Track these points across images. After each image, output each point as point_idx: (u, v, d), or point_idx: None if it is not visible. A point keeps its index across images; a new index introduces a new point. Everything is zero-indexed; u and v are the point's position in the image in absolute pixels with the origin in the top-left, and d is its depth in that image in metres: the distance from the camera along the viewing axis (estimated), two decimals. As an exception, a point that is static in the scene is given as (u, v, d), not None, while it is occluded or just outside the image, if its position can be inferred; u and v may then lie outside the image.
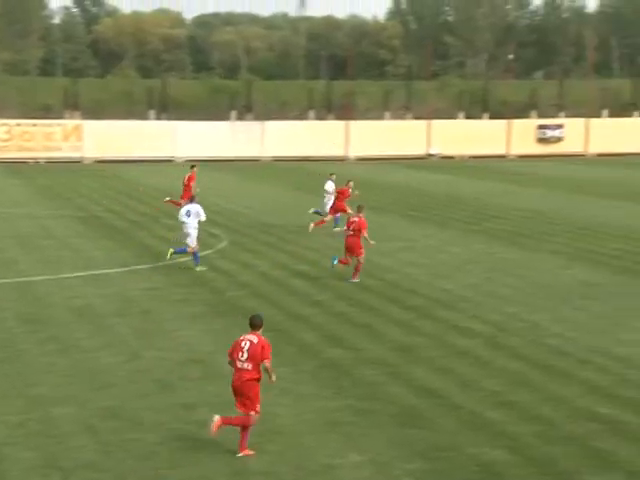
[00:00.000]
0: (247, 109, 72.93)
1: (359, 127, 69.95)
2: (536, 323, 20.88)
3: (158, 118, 70.29)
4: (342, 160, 67.53)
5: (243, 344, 13.44)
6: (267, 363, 13.36)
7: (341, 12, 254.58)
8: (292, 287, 24.68)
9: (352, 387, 16.43)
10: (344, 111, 72.41)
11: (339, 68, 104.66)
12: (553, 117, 73.87)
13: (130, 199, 44.24)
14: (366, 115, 73.84)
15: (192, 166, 38.13)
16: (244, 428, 13.47)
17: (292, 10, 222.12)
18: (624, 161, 65.86)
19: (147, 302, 22.77)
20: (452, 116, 73.54)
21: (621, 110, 76.24)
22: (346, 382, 16.71)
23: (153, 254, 28.92)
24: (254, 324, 13.72)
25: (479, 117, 74.11)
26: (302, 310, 22.07)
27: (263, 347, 13.36)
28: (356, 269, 25.21)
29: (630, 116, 75.06)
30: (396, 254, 29.50)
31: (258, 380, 13.42)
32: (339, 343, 19.21)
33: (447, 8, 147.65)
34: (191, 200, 27.97)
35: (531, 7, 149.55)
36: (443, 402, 15.68)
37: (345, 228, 26.13)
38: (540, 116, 73.97)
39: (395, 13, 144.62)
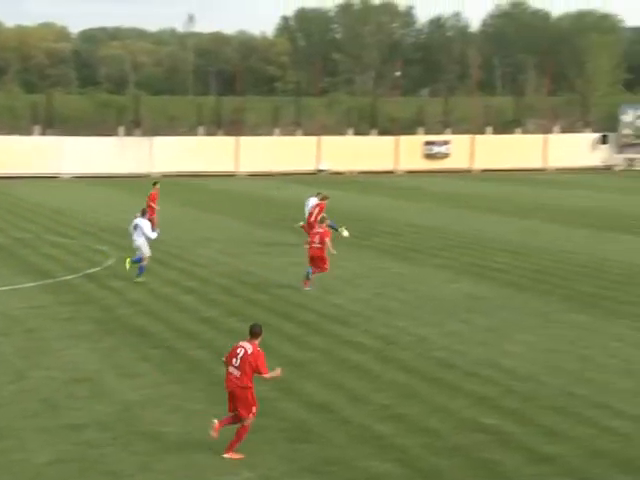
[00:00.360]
0: (135, 124, 72.17)
1: (249, 143, 69.98)
2: (424, 336, 21.18)
3: (44, 134, 68.96)
4: (232, 176, 67.45)
5: (238, 351, 13.95)
6: (266, 376, 13.95)
7: (229, 28, 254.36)
8: (182, 303, 24.51)
9: (243, 403, 16.37)
10: (234, 127, 72.35)
11: (228, 84, 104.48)
12: (439, 133, 75.20)
13: (13, 216, 43.27)
14: (256, 131, 73.90)
15: (154, 183, 38.17)
16: (240, 432, 13.88)
17: (180, 26, 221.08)
18: (508, 177, 67.44)
19: (32, 321, 22.30)
20: (341, 132, 74.20)
21: (504, 127, 78.10)
22: (237, 398, 16.63)
23: (38, 272, 28.35)
24: (254, 332, 14.14)
25: (367, 133, 74.94)
26: (192, 327, 21.94)
27: (256, 359, 13.78)
28: (309, 276, 26.16)
29: (513, 133, 76.93)
30: (287, 269, 29.57)
31: (248, 388, 13.84)
32: (229, 360, 19.12)
33: (335, 25, 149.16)
34: (142, 214, 28.13)
35: (416, 25, 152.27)
36: (333, 417, 15.78)
37: (309, 240, 27.05)
38: (427, 132, 75.20)
39: (283, 30, 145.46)
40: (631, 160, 75.07)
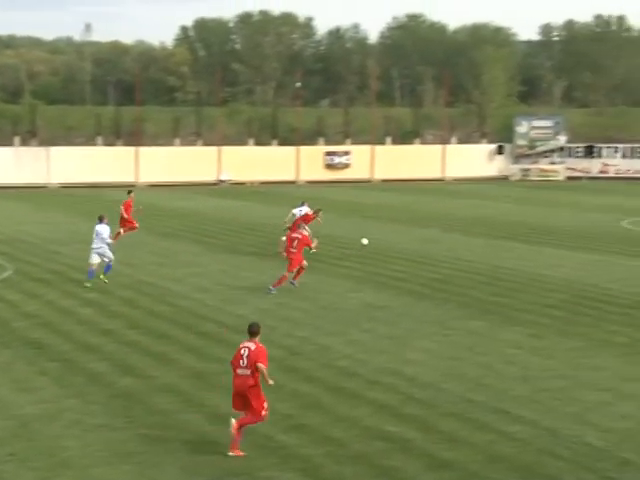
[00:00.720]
0: (31, 134, 70.85)
1: (149, 153, 69.36)
2: (327, 346, 21.28)
3: None
4: (132, 186, 66.69)
5: (242, 351, 14.50)
6: (262, 367, 14.35)
7: (127, 37, 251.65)
8: (81, 316, 24.13)
9: (144, 416, 16.22)
10: (133, 137, 71.61)
11: (127, 94, 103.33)
12: (340, 144, 75.72)
13: None
14: (156, 141, 73.32)
15: (129, 192, 38.34)
16: (239, 428, 14.38)
17: (77, 34, 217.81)
18: (407, 187, 68.27)
19: None
20: (242, 142, 74.12)
21: (403, 137, 79.08)
22: (138, 411, 16.48)
23: None
24: (252, 331, 14.68)
25: (268, 143, 75.01)
26: (91, 339, 21.62)
27: (258, 354, 14.35)
28: (280, 280, 27.06)
29: (411, 143, 77.93)
30: (188, 280, 29.38)
31: (258, 385, 14.41)
32: (130, 372, 18.93)
33: (234, 36, 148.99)
34: (100, 221, 28.43)
35: (316, 37, 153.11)
36: (236, 427, 15.70)
37: (286, 245, 27.77)
38: (327, 143, 75.66)
39: (182, 40, 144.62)
40: (526, 170, 76.75)
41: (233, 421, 14.50)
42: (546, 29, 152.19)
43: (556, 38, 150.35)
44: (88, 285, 27.81)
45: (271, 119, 78.98)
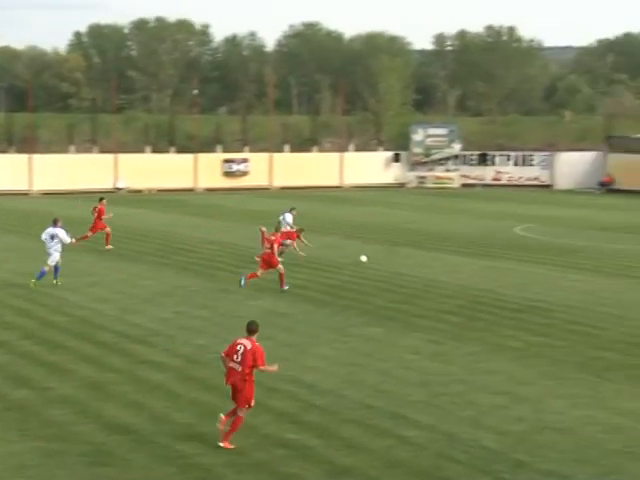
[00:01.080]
0: None
1: (43, 161, 68.04)
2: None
3: None
4: (25, 194, 65.43)
5: (238, 347, 15.04)
6: (262, 368, 14.99)
7: (19, 43, 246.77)
8: (-27, 328, 23.52)
9: (39, 428, 15.90)
10: (26, 144, 70.20)
11: (19, 100, 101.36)
12: (238, 151, 75.55)
13: None
14: (50, 149, 71.97)
15: (101, 198, 38.71)
16: (235, 422, 14.95)
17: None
18: (306, 194, 68.48)
19: None
20: (139, 150, 73.33)
21: (301, 145, 79.34)
22: (33, 424, 16.14)
23: None
24: (250, 330, 15.27)
25: (166, 151, 74.39)
26: (-16, 351, 21.09)
27: (254, 353, 14.86)
28: (281, 279, 28.86)
29: (309, 151, 78.24)
30: (85, 289, 28.93)
31: (248, 381, 14.92)
32: (25, 383, 18.54)
33: (130, 43, 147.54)
34: (55, 224, 29.34)
35: (213, 44, 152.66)
36: (134, 437, 15.54)
37: (263, 246, 29.70)
38: (225, 150, 75.39)
39: (76, 46, 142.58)
40: (422, 178, 77.79)
41: (222, 415, 15.13)
42: (440, 39, 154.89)
43: (449, 48, 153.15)
44: (59, 283, 29.18)
45: (168, 126, 78.36)
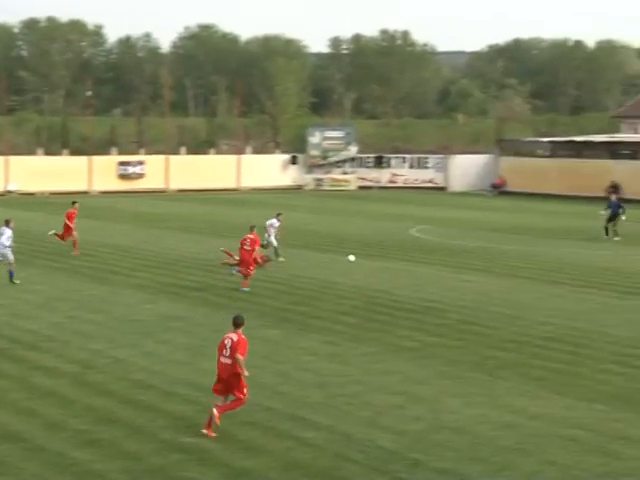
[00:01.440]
0: None
1: None
2: (121, 358, 20.94)
3: None
4: None
5: (226, 342, 15.73)
6: (240, 357, 15.50)
7: None
8: None
9: None
10: None
11: None
12: (133, 154, 74.70)
13: None
14: (-63, 150, 70.03)
15: (73, 202, 38.80)
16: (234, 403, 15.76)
17: None
18: (203, 197, 68.13)
19: None
20: (31, 152, 71.89)
21: (198, 147, 78.89)
22: None
23: None
24: (236, 323, 15.90)
25: (59, 153, 73.09)
26: None
27: (239, 344, 15.57)
28: (245, 275, 29.67)
29: (206, 153, 77.86)
30: (-26, 295, 28.22)
31: (239, 373, 15.59)
32: None
33: (20, 42, 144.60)
34: (6, 224, 29.81)
35: (106, 45, 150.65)
36: (26, 445, 15.23)
37: (241, 243, 30.30)
38: (120, 153, 74.48)
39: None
40: (319, 180, 78.16)
41: (215, 411, 15.60)
42: (335, 42, 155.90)
43: (345, 51, 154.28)
44: (18, 282, 29.90)
45: (61, 128, 77.06)
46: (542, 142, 79.65)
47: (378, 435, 16.08)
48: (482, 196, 72.68)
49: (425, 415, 17.29)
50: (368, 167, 78.62)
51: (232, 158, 76.77)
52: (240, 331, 15.89)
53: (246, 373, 15.74)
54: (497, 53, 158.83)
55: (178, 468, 14.42)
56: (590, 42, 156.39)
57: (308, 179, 78.19)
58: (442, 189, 76.81)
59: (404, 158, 79.01)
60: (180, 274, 32.94)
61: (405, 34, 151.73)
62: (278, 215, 37.37)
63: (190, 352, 21.68)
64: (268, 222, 37.01)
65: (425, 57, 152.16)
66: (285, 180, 77.41)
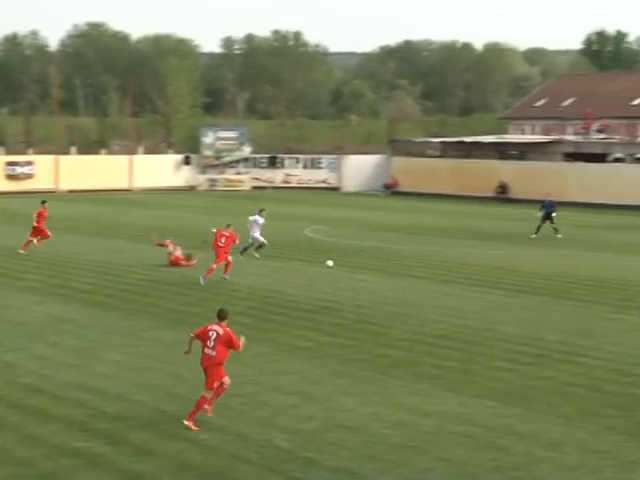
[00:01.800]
0: None
1: None
2: (10, 362, 20.46)
3: None
4: None
5: (210, 334, 16.27)
6: (240, 349, 16.40)
7: None
8: None
9: None
10: None
11: None
12: (22, 154, 73.09)
13: None
14: None
15: (43, 202, 37.96)
16: (199, 402, 16.12)
17: None
18: (94, 197, 67.07)
19: None
20: None
21: (89, 147, 77.64)
22: None
23: None
24: (221, 316, 16.55)
25: (-57, 153, 71.07)
26: None
27: (230, 340, 16.25)
28: (214, 268, 30.64)
29: (97, 153, 76.69)
30: None
31: (221, 364, 16.23)
32: None
33: None
34: None
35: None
36: None
37: (215, 240, 31.17)
38: (8, 152, 72.80)
39: None
40: (213, 180, 77.74)
41: (206, 406, 16.24)
42: (227, 42, 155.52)
43: (238, 51, 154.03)
44: None
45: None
46: (433, 142, 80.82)
47: (273, 435, 16.06)
48: (375, 196, 73.35)
49: (320, 414, 17.33)
50: (262, 167, 78.57)
51: (124, 158, 75.77)
52: (224, 324, 16.48)
53: (243, 340, 16.66)
54: (388, 54, 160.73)
55: (70, 473, 14.14)
56: (478, 45, 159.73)
57: (202, 179, 77.70)
58: (336, 189, 77.24)
59: (298, 158, 79.21)
60: (70, 275, 32.35)
61: (297, 35, 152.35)
62: (261, 211, 37.56)
63: (80, 354, 21.30)
64: (251, 218, 37.35)
65: (317, 58, 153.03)
66: (178, 180, 76.79)
